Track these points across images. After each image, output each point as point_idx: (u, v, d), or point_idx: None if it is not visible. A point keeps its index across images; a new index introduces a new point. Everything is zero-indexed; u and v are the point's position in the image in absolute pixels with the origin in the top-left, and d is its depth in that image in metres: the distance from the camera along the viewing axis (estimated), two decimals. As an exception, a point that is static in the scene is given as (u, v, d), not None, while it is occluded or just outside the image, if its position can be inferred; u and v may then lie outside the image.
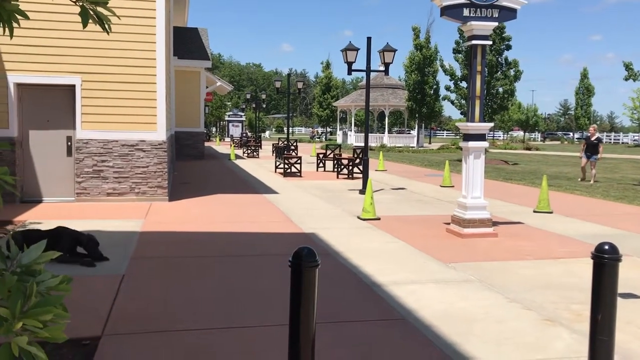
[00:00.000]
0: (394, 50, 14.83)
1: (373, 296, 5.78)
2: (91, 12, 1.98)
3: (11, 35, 1.94)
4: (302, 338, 3.27)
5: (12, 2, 1.77)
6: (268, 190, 14.83)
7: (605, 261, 3.83)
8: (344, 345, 4.46)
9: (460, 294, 5.93)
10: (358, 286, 6.13)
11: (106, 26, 2.08)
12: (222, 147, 41.85)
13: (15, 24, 2.01)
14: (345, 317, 5.12)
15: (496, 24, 9.28)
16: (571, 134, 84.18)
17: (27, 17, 1.92)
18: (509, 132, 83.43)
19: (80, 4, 1.95)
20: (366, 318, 5.11)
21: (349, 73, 15.01)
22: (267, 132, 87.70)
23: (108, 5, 2.08)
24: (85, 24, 1.97)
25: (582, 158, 18.88)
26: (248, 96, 49.26)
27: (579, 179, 19.00)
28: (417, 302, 5.57)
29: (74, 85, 11.34)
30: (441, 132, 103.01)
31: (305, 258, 3.22)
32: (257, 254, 7.53)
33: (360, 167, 17.68)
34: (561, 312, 5.40)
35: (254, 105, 53.97)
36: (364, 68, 14.71)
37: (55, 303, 1.89)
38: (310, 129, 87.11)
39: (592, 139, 18.73)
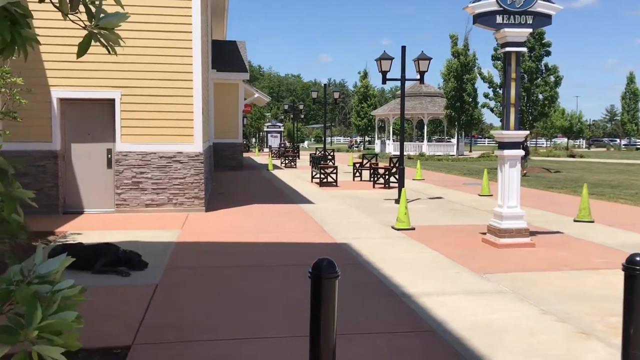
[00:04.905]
0: (429, 59, 14.74)
1: (403, 307, 5.74)
2: (99, 37, 2.04)
3: (25, 58, 2.02)
4: (322, 349, 3.27)
5: (27, 29, 1.86)
6: (303, 200, 14.90)
7: (637, 273, 3.73)
8: (370, 357, 4.44)
9: (493, 305, 5.83)
10: (388, 297, 6.09)
11: (112, 49, 2.14)
12: (260, 157, 42.28)
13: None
14: (373, 328, 5.09)
15: (530, 30, 9.13)
16: (618, 140, 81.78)
17: (39, 43, 2.01)
18: (552, 140, 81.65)
19: (90, 29, 2.01)
20: (394, 330, 5.07)
21: (384, 82, 14.99)
22: (306, 142, 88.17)
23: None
24: (82, 53, 2.03)
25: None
26: (286, 107, 49.68)
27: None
28: (448, 314, 5.50)
29: (113, 100, 11.67)
30: (482, 139, 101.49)
31: (325, 269, 3.23)
32: (288, 264, 7.57)
33: (397, 177, 17.58)
34: (597, 324, 5.25)
35: (292, 116, 54.49)
36: (400, 77, 14.67)
37: (70, 313, 1.95)
38: (349, 138, 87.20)
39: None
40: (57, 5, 1.99)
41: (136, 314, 5.42)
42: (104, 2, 2.17)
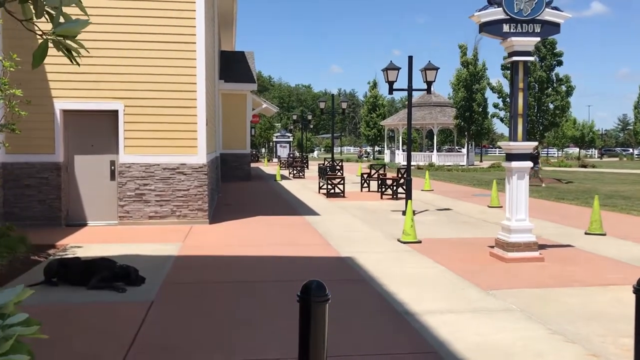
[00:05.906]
0: (436, 69, 14.55)
1: (405, 326, 5.52)
2: (60, 46, 1.88)
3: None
4: (312, 377, 3.08)
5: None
6: (309, 211, 14.71)
7: (649, 295, 3.50)
8: (368, 381, 4.23)
9: (499, 324, 5.60)
10: (390, 315, 5.88)
11: (74, 59, 1.97)
12: (269, 167, 42.17)
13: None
14: (372, 349, 4.88)
15: (538, 39, 8.93)
16: (631, 150, 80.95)
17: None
18: (564, 149, 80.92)
19: (45, 37, 1.85)
20: (394, 351, 4.85)
21: (390, 92, 14.81)
22: (316, 152, 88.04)
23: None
24: (38, 63, 1.87)
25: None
26: (294, 117, 49.66)
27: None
28: (452, 334, 5.28)
29: (117, 111, 11.58)
30: (493, 149, 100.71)
31: (314, 292, 3.06)
32: (289, 280, 7.35)
33: (405, 187, 17.34)
34: (608, 346, 5.00)
35: (301, 126, 54.48)
36: (407, 87, 14.48)
37: (21, 350, 1.78)
38: (359, 148, 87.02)
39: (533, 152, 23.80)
40: (13, 12, 1.83)
41: (129, 331, 5.24)
42: (72, 11, 2.02)
